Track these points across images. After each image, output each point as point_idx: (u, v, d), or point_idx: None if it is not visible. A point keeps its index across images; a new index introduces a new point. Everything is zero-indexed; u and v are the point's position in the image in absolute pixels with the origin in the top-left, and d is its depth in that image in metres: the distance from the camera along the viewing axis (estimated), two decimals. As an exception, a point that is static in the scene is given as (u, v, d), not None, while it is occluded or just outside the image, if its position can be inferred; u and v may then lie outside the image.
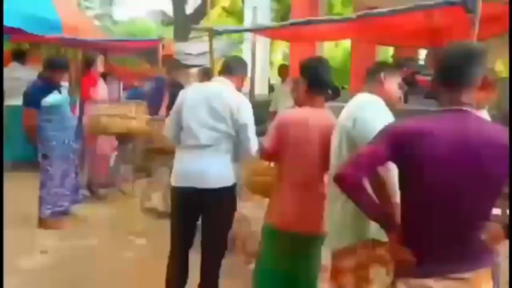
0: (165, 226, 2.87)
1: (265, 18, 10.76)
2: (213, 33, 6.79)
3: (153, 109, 5.60)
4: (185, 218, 2.72)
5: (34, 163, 6.17)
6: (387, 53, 14.66)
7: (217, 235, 2.70)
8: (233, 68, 2.77)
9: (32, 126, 4.18)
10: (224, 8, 18.83)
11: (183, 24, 13.64)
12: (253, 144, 2.59)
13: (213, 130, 2.57)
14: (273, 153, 2.45)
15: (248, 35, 10.05)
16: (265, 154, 2.49)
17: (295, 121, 2.37)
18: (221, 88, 2.66)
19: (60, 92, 4.28)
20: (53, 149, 4.25)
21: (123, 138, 5.50)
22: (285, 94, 5.27)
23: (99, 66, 5.62)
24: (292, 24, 6.05)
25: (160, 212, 4.78)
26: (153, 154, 4.75)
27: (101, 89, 5.72)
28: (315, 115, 2.37)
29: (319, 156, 2.32)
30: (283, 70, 6.98)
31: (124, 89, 7.98)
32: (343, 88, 15.68)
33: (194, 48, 9.53)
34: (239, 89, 2.79)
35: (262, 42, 9.54)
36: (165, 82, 6.52)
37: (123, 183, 5.78)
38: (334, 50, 21.83)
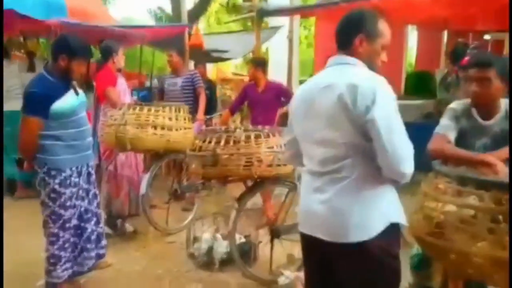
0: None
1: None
2: (261, 13, 5.46)
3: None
4: (313, 280, 1.86)
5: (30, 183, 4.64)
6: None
7: None
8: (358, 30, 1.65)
9: (35, 145, 2.69)
10: (222, 5, 18.46)
11: (182, 20, 12.69)
12: (397, 157, 1.51)
13: (327, 144, 1.63)
14: None
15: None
16: None
17: None
18: (336, 73, 1.64)
19: (76, 93, 2.77)
20: (65, 181, 2.74)
21: (159, 155, 4.04)
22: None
23: (120, 58, 4.10)
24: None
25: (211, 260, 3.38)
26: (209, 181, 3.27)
27: (122, 89, 4.24)
28: None
29: None
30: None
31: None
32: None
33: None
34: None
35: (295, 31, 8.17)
36: (200, 79, 5.12)
37: (153, 212, 4.35)
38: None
